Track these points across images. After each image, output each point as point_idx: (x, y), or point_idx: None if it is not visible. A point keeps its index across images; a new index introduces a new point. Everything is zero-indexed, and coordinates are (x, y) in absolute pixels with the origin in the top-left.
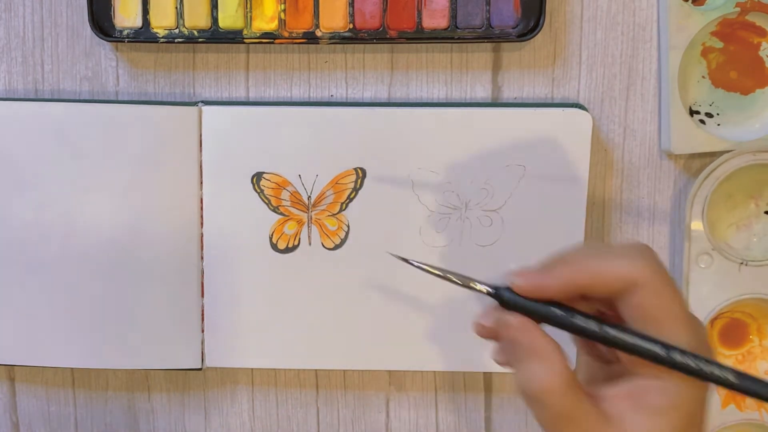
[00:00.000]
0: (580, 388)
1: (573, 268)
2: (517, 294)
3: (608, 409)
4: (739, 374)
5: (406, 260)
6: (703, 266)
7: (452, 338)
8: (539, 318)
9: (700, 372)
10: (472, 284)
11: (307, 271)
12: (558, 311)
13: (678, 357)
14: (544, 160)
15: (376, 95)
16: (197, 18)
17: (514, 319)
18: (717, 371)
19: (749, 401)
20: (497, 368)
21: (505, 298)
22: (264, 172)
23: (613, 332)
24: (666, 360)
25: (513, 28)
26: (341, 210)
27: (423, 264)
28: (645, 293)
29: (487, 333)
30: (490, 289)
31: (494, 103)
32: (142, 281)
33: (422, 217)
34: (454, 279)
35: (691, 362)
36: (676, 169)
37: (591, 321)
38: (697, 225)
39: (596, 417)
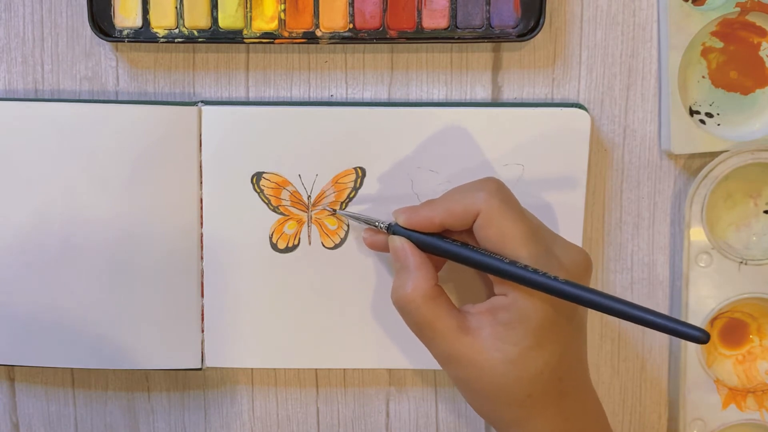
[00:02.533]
0: (444, 302)
1: (432, 207)
2: (402, 227)
3: (472, 323)
4: (567, 282)
5: (334, 210)
6: (702, 266)
7: None
8: (421, 245)
9: (533, 281)
10: (375, 223)
11: (307, 270)
12: (427, 237)
13: (513, 268)
14: (543, 160)
15: (376, 95)
16: (197, 18)
17: (397, 241)
18: (546, 279)
19: (749, 401)
20: None
21: (394, 231)
22: (264, 172)
23: (465, 252)
24: (505, 271)
25: (513, 28)
26: (341, 209)
27: (342, 211)
28: (484, 219)
29: (373, 245)
30: (384, 225)
31: (494, 103)
32: (142, 281)
33: None
34: (363, 220)
35: (523, 272)
36: (676, 169)
37: (452, 244)
38: (696, 224)
39: (455, 327)
